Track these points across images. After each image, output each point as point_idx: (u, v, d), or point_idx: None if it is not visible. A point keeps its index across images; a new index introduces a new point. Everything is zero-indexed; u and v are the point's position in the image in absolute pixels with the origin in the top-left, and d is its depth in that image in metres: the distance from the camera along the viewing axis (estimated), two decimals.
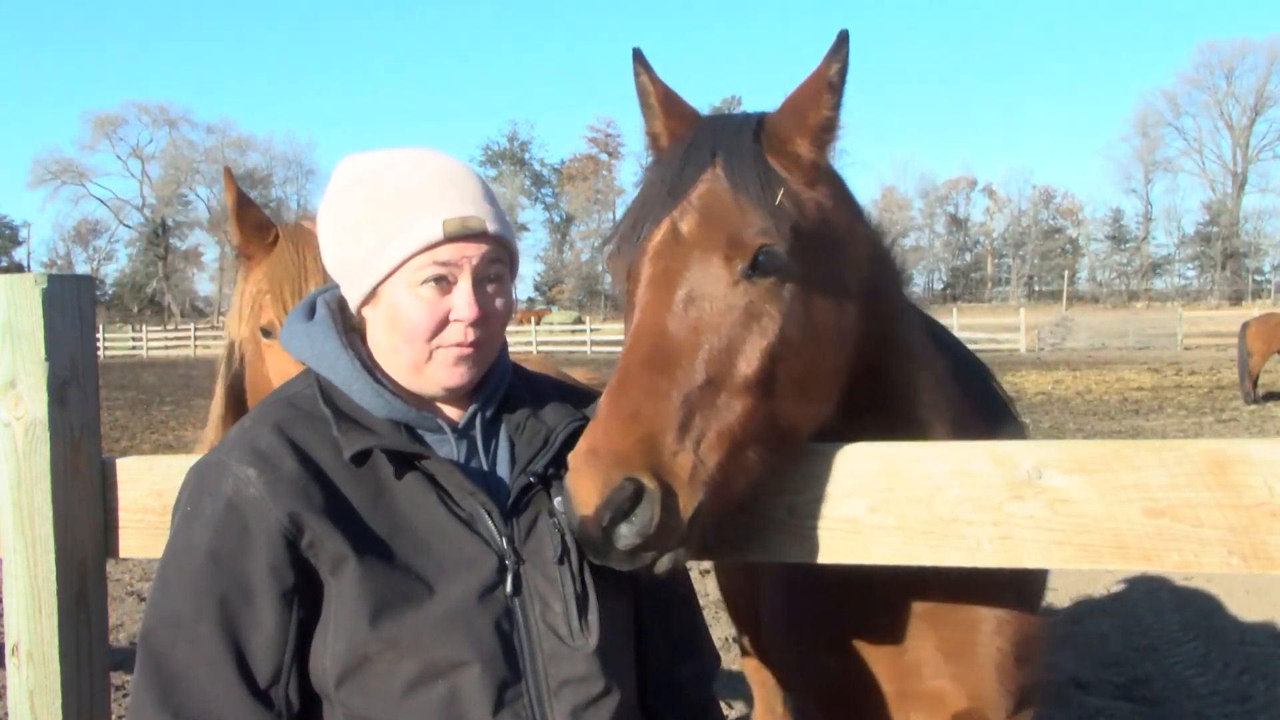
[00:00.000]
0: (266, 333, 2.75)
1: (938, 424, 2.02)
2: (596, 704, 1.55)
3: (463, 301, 1.59)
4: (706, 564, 5.93)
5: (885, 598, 2.10)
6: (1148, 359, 32.07)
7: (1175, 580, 7.25)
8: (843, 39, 1.74)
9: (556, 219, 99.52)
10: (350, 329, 1.70)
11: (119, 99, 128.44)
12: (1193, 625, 6.42)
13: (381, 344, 1.65)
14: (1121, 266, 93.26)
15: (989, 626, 2.13)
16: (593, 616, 1.58)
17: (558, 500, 1.60)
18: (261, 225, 2.85)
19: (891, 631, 2.16)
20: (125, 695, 4.53)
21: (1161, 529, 1.52)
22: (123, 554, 2.04)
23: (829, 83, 1.75)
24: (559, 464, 1.63)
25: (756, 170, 1.72)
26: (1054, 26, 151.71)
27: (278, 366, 2.69)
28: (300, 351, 1.68)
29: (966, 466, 1.63)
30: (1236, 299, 77.44)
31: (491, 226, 1.61)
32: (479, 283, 1.61)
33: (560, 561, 1.59)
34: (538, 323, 51.48)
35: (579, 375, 3.83)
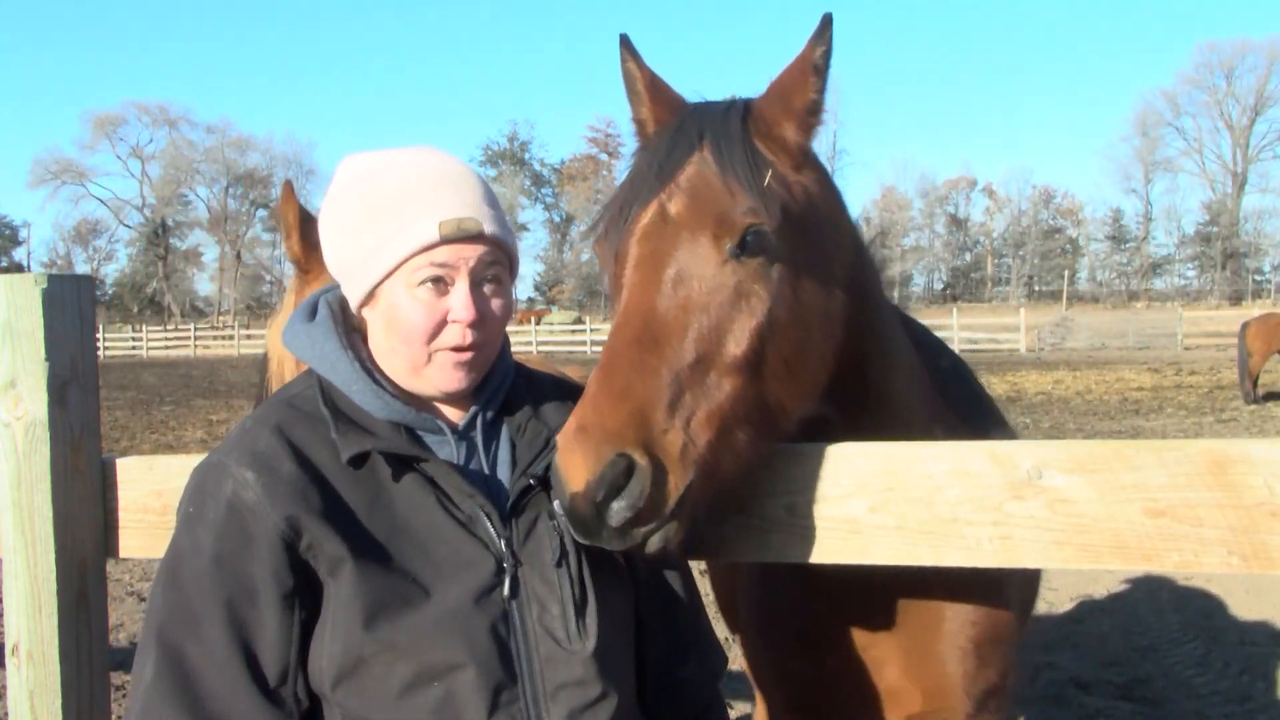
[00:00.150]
0: None
1: (912, 419, 2.02)
2: (594, 707, 1.55)
3: (460, 303, 1.59)
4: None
5: (848, 595, 2.09)
6: (1148, 359, 32.08)
7: (1175, 580, 7.26)
8: (826, 23, 1.76)
9: (556, 219, 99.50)
10: (352, 329, 1.70)
11: (119, 99, 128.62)
12: (1193, 625, 6.42)
13: (380, 345, 1.65)
14: (1121, 266, 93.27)
15: (952, 626, 2.12)
16: (591, 619, 1.57)
17: (556, 502, 1.59)
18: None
19: (853, 630, 2.16)
20: (125, 695, 4.53)
21: (1161, 529, 1.53)
22: (123, 554, 2.04)
23: (814, 66, 1.76)
24: None
25: (744, 152, 1.72)
26: (1054, 26, 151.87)
27: None
28: (301, 352, 1.68)
29: (966, 466, 1.63)
30: (1236, 299, 77.44)
31: (488, 228, 1.61)
32: (476, 284, 1.61)
33: (559, 564, 1.58)
34: (538, 323, 51.51)
35: (571, 373, 3.83)
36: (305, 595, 1.52)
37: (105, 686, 2.06)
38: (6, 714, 2.15)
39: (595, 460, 1.48)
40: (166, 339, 56.06)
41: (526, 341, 43.17)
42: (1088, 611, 6.80)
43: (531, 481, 1.63)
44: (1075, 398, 20.00)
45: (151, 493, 2.00)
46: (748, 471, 1.70)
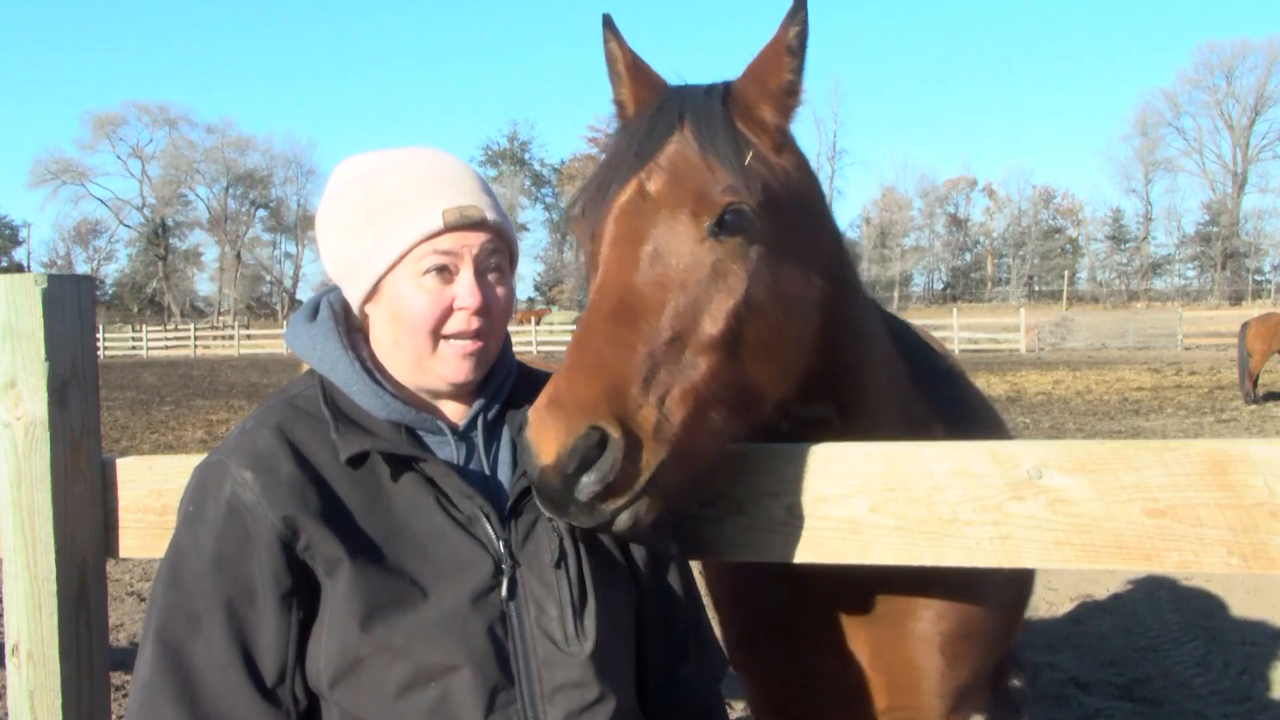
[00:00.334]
0: None
1: (887, 414, 2.02)
2: (591, 710, 1.54)
3: (465, 289, 1.60)
4: None
5: (819, 592, 2.09)
6: (1148, 359, 32.08)
7: (1175, 580, 7.26)
8: (800, 3, 1.76)
9: (556, 219, 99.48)
10: (354, 330, 1.71)
11: (119, 99, 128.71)
12: (1193, 625, 6.42)
13: (384, 339, 1.66)
14: (1121, 266, 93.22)
15: (922, 623, 2.11)
16: (589, 621, 1.57)
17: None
18: None
19: (824, 626, 2.15)
20: (125, 695, 4.53)
21: (1161, 529, 1.53)
22: (123, 554, 2.04)
23: (788, 46, 1.77)
24: None
25: (726, 131, 1.72)
26: (1054, 26, 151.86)
27: None
28: (302, 351, 1.69)
29: (967, 466, 1.63)
30: (1236, 299, 77.44)
31: (490, 216, 1.63)
32: (480, 272, 1.62)
33: (557, 565, 1.58)
34: (538, 323, 51.47)
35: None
36: (304, 595, 1.52)
37: (105, 686, 2.06)
38: (6, 714, 2.15)
39: (567, 432, 1.47)
40: (166, 339, 56.07)
41: (527, 341, 43.18)
42: (1088, 611, 6.80)
43: None
44: (1075, 398, 20.00)
45: (151, 493, 2.00)
46: (720, 453, 1.69)
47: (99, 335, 26.19)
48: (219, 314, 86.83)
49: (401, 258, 1.60)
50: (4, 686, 4.59)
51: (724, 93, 1.79)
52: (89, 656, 2.01)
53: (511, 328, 2.29)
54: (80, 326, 2.00)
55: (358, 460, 1.57)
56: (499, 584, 1.55)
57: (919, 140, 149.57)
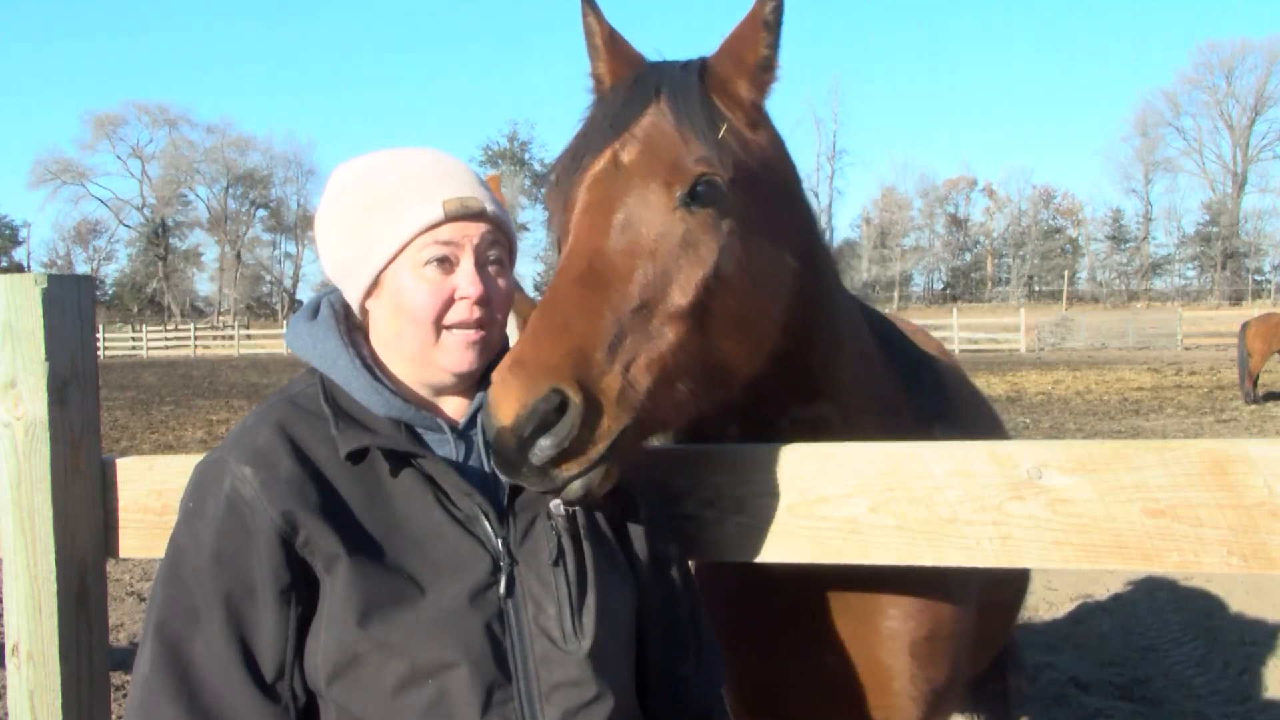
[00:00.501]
0: None
1: (858, 408, 2.01)
2: (589, 708, 1.54)
3: (466, 279, 1.61)
4: None
5: (788, 591, 2.07)
6: (1148, 359, 32.08)
7: (1175, 580, 7.26)
8: None
9: None
10: (355, 329, 1.71)
11: (119, 99, 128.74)
12: (1193, 625, 6.42)
13: (386, 333, 1.66)
14: (1121, 266, 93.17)
15: (892, 623, 2.09)
16: (588, 619, 1.57)
17: (554, 503, 1.60)
18: None
19: (794, 627, 2.14)
20: (126, 695, 4.54)
21: (1161, 529, 1.53)
22: (123, 554, 2.04)
23: (764, 21, 1.77)
24: None
25: (701, 104, 1.73)
26: (1054, 26, 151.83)
27: None
28: (303, 350, 1.70)
29: (967, 466, 1.63)
30: (1236, 299, 77.42)
31: (489, 207, 1.64)
32: (481, 263, 1.63)
33: (555, 563, 1.58)
34: None
35: None
36: (303, 591, 1.52)
37: (105, 686, 2.06)
38: (6, 714, 2.15)
39: (529, 393, 1.46)
40: (166, 339, 56.09)
41: None
42: (1088, 611, 6.80)
43: None
44: (1075, 398, 20.00)
45: (151, 493, 2.00)
46: (685, 423, 1.69)
47: (99, 335, 26.17)
48: (219, 314, 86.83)
49: (402, 249, 1.61)
50: (4, 686, 4.59)
51: (700, 67, 1.80)
52: (89, 656, 2.01)
53: (512, 327, 2.29)
54: (80, 326, 2.00)
55: (357, 456, 1.57)
56: (497, 581, 1.55)
57: (919, 140, 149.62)
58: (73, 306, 1.99)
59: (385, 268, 1.63)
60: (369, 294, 1.66)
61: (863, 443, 1.74)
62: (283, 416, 1.62)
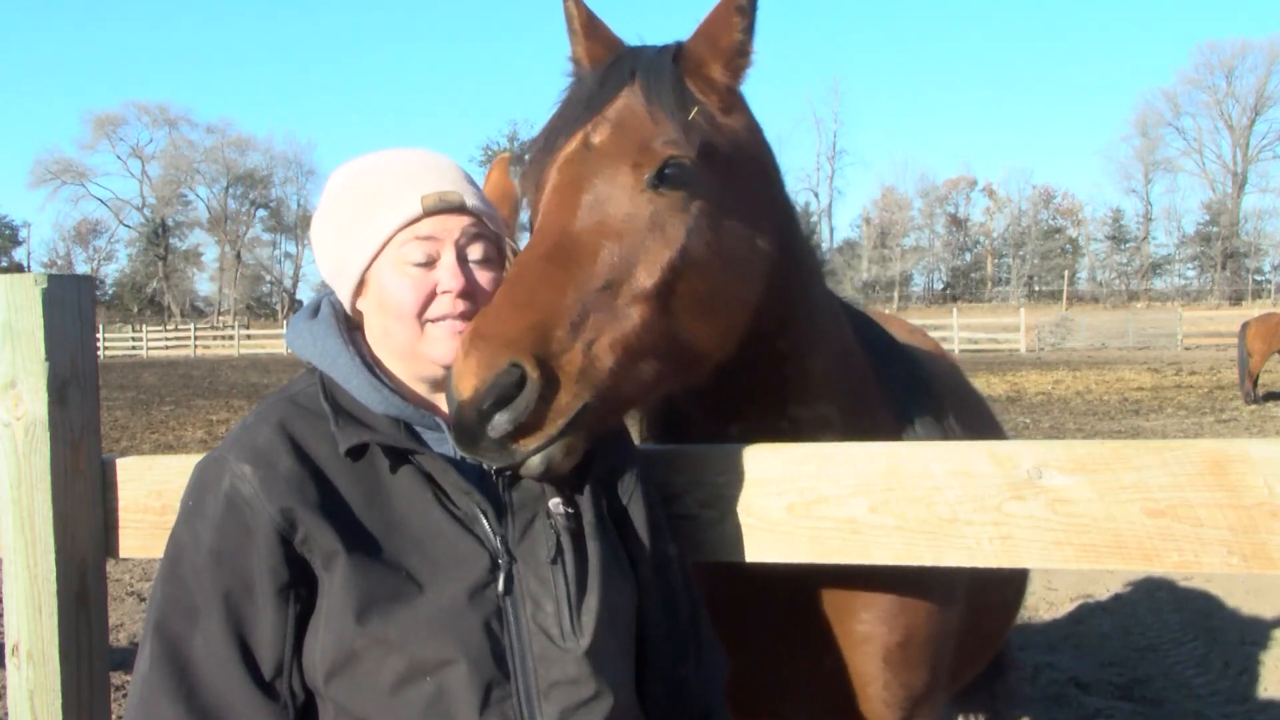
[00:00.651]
0: None
1: (830, 403, 2.01)
2: (587, 706, 1.54)
3: (447, 272, 1.62)
4: None
5: (765, 593, 2.06)
6: (1148, 359, 32.08)
7: (1175, 580, 7.26)
8: None
9: None
10: (354, 328, 1.73)
11: (119, 99, 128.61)
12: (1193, 625, 6.42)
13: (375, 331, 1.68)
14: (1121, 266, 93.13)
15: (866, 626, 2.07)
16: (587, 617, 1.57)
17: (553, 501, 1.60)
18: None
19: (771, 630, 2.12)
20: (126, 695, 4.53)
21: (1161, 529, 1.53)
22: (123, 554, 2.04)
23: (738, 6, 1.78)
24: None
25: (672, 86, 1.74)
26: (1054, 26, 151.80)
27: None
28: (303, 349, 1.71)
29: (967, 466, 1.63)
30: (1236, 299, 77.39)
31: (469, 201, 1.65)
32: (462, 257, 1.64)
33: (554, 562, 1.59)
34: None
35: None
36: (301, 589, 1.53)
37: (105, 686, 2.06)
38: (6, 714, 2.15)
39: (487, 367, 1.48)
40: (166, 339, 56.10)
41: None
42: (1088, 611, 6.80)
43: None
44: (1075, 398, 20.00)
45: (151, 493, 2.00)
46: (652, 401, 1.71)
47: (99, 335, 26.17)
48: (219, 314, 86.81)
49: (384, 246, 1.63)
50: (4, 686, 4.59)
51: (675, 51, 1.81)
52: (89, 656, 2.01)
53: None
54: (80, 326, 2.00)
55: (357, 453, 1.58)
56: (495, 579, 1.55)
57: (919, 140, 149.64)
58: (73, 306, 1.99)
59: (369, 266, 1.64)
60: (358, 293, 1.68)
61: (863, 443, 1.74)
62: (283, 415, 1.62)
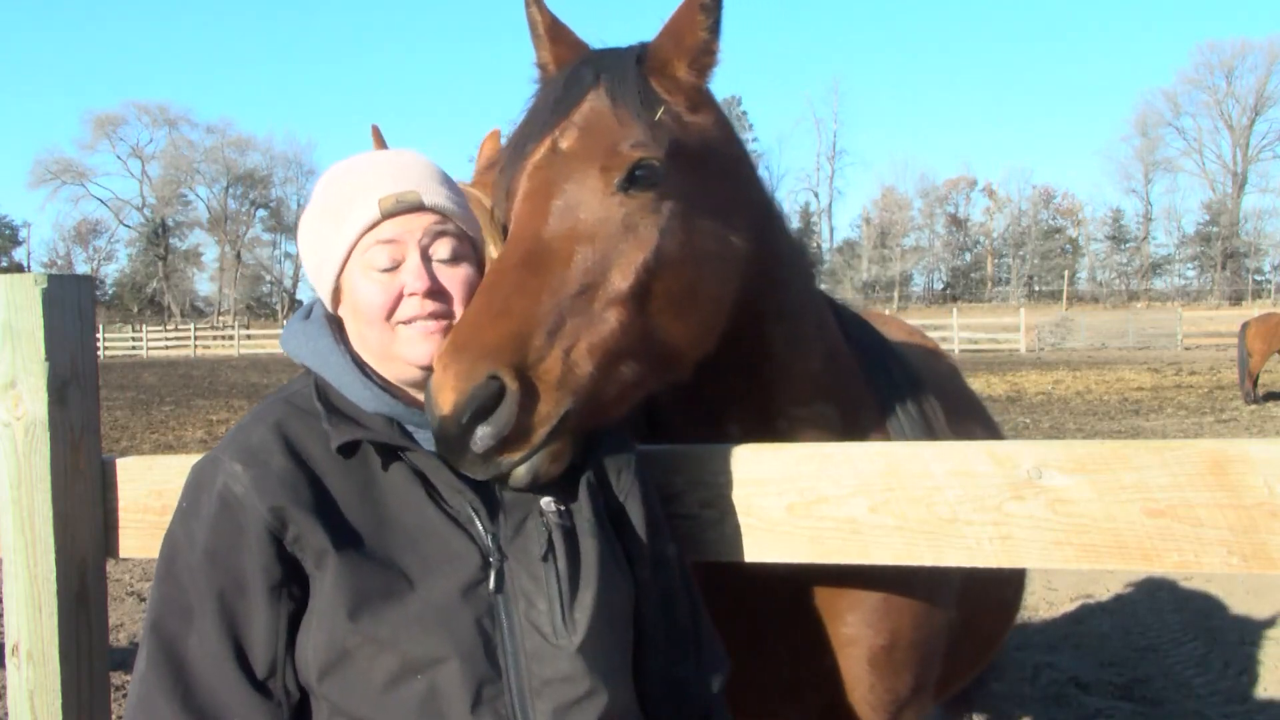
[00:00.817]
0: None
1: (809, 402, 2.00)
2: (581, 704, 1.54)
3: (411, 274, 1.62)
4: None
5: (748, 594, 2.04)
6: (1148, 359, 32.09)
7: (1175, 580, 7.26)
8: None
9: None
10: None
11: (119, 99, 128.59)
12: (1193, 625, 6.42)
13: (353, 335, 1.69)
14: (1121, 266, 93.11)
15: (849, 629, 2.06)
16: (580, 615, 1.57)
17: (545, 499, 1.60)
18: None
19: (754, 632, 2.10)
20: (126, 695, 4.53)
21: (1161, 529, 1.53)
22: (123, 554, 2.04)
23: (702, 4, 1.77)
24: None
25: (636, 87, 1.74)
26: (1054, 26, 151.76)
27: None
28: (297, 350, 1.72)
29: (967, 466, 1.63)
30: (1236, 299, 77.38)
31: (428, 199, 1.64)
32: (427, 256, 1.64)
33: (544, 558, 1.59)
34: None
35: None
36: (293, 587, 1.53)
37: (105, 686, 2.06)
38: (6, 714, 2.15)
39: (465, 380, 1.48)
40: (166, 339, 56.10)
41: None
42: (1088, 611, 6.81)
43: None
44: (1075, 398, 20.00)
45: (151, 493, 2.00)
46: (633, 403, 1.70)
47: (99, 335, 26.19)
48: (219, 314, 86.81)
49: (349, 253, 1.64)
50: (4, 686, 4.59)
51: (640, 52, 1.81)
52: (89, 656, 2.01)
53: None
54: (80, 326, 2.00)
55: (349, 451, 1.58)
56: (487, 577, 1.55)
57: (919, 140, 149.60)
58: (73, 306, 1.99)
59: (340, 273, 1.66)
60: (336, 301, 1.70)
61: (863, 443, 1.74)
62: (279, 415, 1.63)
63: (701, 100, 1.84)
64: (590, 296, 1.62)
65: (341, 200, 1.65)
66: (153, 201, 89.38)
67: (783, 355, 1.97)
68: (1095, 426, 15.68)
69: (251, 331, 57.27)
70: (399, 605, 1.50)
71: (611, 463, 1.72)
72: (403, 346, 1.63)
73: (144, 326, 60.99)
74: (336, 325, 1.72)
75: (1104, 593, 7.17)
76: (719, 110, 1.90)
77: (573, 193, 1.69)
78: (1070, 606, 6.91)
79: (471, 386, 1.47)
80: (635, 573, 1.71)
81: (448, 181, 1.71)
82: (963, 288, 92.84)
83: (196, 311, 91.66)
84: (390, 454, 1.60)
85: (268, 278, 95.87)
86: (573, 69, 1.81)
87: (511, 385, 1.49)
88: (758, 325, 1.91)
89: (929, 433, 2.24)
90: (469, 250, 1.70)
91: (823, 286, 2.29)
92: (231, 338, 54.05)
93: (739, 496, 1.78)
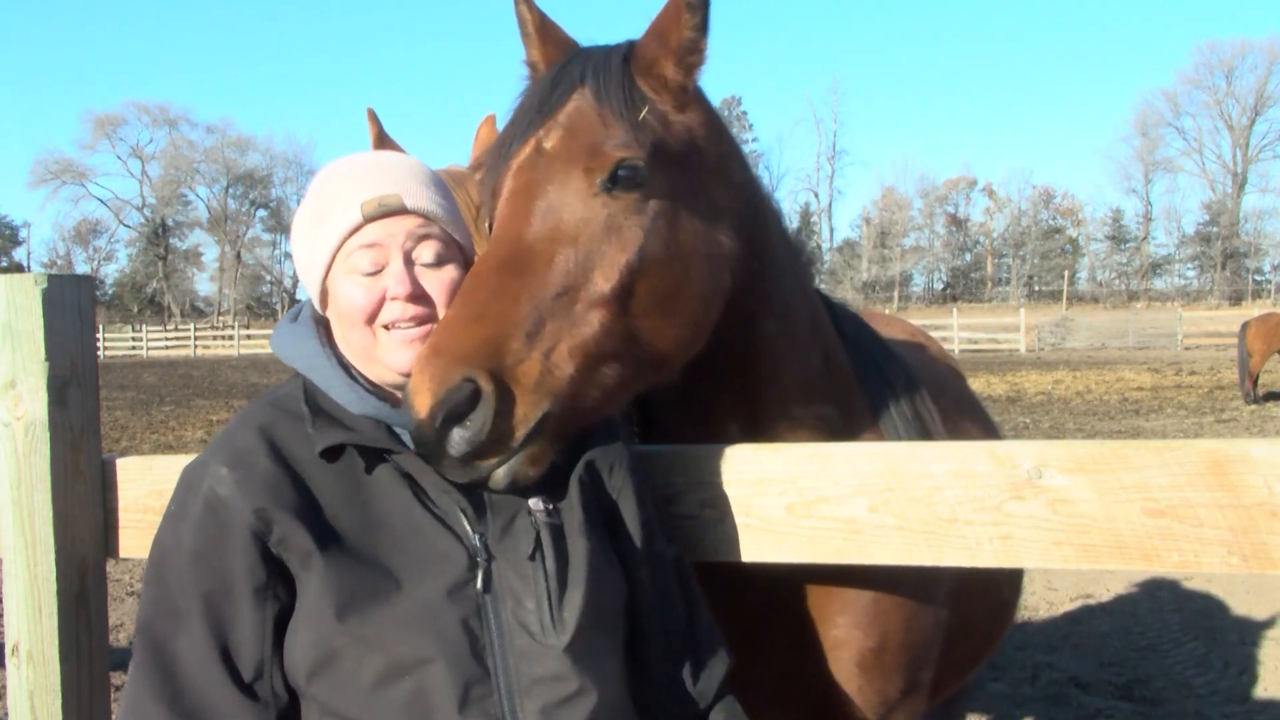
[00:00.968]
0: None
1: (798, 404, 2.00)
2: (570, 702, 1.54)
3: (394, 278, 1.62)
4: None
5: (739, 594, 2.03)
6: (1148, 359, 32.08)
7: (1175, 580, 7.26)
8: None
9: None
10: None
11: (119, 99, 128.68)
12: (1193, 625, 6.42)
13: (339, 337, 1.70)
14: (1121, 266, 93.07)
15: (839, 632, 2.04)
16: (569, 614, 1.56)
17: (533, 499, 1.60)
18: None
19: (743, 634, 2.06)
20: None
21: (1161, 529, 1.53)
22: (123, 554, 2.04)
23: (687, 3, 1.76)
24: None
25: (623, 88, 1.73)
26: (1054, 26, 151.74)
27: None
28: (285, 353, 1.73)
29: (967, 466, 1.63)
30: (1236, 299, 77.36)
31: (410, 203, 1.64)
32: (410, 260, 1.64)
33: (532, 557, 1.58)
34: None
35: None
36: (279, 589, 1.54)
37: (105, 686, 2.06)
38: (6, 714, 2.15)
39: (440, 383, 1.47)
40: (166, 339, 56.11)
41: None
42: (1088, 612, 6.81)
43: None
44: (1075, 398, 20.00)
45: (151, 493, 2.00)
46: (617, 406, 1.70)
47: (99, 335, 26.15)
48: (219, 314, 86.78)
49: (333, 256, 1.64)
50: (4, 686, 4.59)
51: (626, 51, 1.80)
52: (89, 656, 2.01)
53: None
54: (80, 326, 2.00)
55: (333, 454, 1.59)
56: (474, 577, 1.55)
57: (919, 140, 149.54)
58: (73, 306, 1.99)
59: (325, 276, 1.67)
60: (323, 304, 1.71)
61: (863, 443, 1.74)
62: (265, 419, 1.64)
63: (690, 99, 1.83)
64: (572, 298, 1.62)
65: (325, 203, 1.66)
66: (153, 201, 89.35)
67: (775, 354, 1.97)
68: (1095, 426, 15.68)
69: (251, 331, 57.21)
70: (386, 606, 1.50)
71: (604, 461, 1.71)
72: (385, 352, 1.63)
73: (144, 326, 60.97)
74: (325, 327, 1.73)
75: (1104, 593, 7.17)
76: (709, 109, 1.89)
77: (555, 193, 1.68)
78: (1070, 606, 6.91)
79: (446, 390, 1.47)
80: (632, 572, 1.71)
81: (434, 183, 1.70)
82: (963, 288, 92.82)
83: (196, 311, 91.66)
84: (376, 456, 1.60)
85: (268, 278, 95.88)
86: (559, 68, 1.80)
87: (487, 388, 1.49)
88: (749, 324, 1.91)
89: (924, 433, 2.24)
90: (454, 252, 1.70)
91: (822, 286, 2.29)
92: (231, 338, 54.05)
93: (739, 497, 1.78)
